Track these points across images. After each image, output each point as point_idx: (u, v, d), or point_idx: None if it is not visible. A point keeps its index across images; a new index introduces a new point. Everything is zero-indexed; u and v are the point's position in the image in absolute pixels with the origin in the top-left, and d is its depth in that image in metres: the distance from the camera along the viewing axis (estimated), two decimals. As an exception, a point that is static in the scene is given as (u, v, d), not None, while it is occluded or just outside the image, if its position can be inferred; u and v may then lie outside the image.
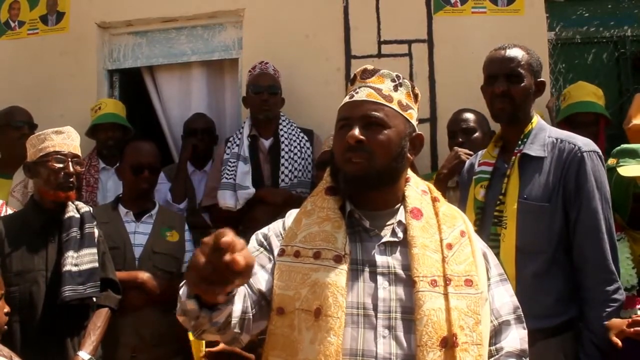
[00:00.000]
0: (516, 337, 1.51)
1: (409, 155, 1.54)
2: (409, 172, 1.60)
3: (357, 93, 1.53)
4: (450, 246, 1.47)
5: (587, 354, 2.01)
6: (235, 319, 1.36)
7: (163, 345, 2.81)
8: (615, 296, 2.03)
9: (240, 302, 1.38)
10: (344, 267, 1.41)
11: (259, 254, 1.51)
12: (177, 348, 2.78)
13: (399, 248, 1.47)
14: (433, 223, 1.50)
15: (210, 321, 1.29)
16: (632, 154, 2.35)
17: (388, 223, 1.51)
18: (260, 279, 1.47)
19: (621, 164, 2.33)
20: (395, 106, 1.51)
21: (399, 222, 1.50)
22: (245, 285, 1.41)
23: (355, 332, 1.38)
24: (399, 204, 1.54)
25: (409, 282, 1.41)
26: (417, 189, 1.57)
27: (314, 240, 1.47)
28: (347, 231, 1.47)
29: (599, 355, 1.99)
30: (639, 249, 2.36)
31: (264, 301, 1.46)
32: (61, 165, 2.50)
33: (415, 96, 1.58)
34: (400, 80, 1.55)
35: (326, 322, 1.36)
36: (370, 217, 1.51)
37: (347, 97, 1.55)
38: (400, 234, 1.48)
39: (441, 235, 1.48)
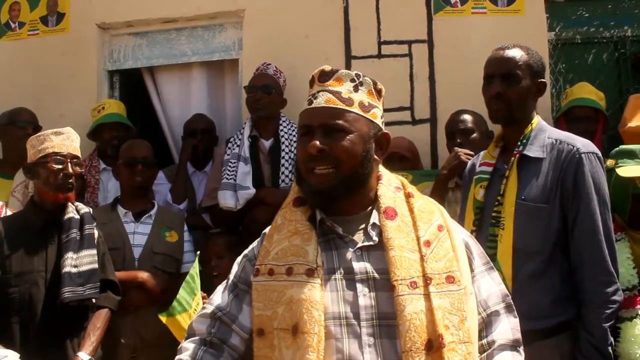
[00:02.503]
0: (507, 328, 1.46)
1: (375, 156, 1.50)
2: (381, 168, 1.55)
3: (315, 99, 1.48)
4: (428, 243, 1.43)
5: (584, 356, 2.00)
6: None
7: (163, 344, 2.80)
8: (614, 298, 2.02)
9: None
10: (317, 281, 1.38)
11: (239, 292, 1.51)
12: (177, 348, 2.78)
13: (375, 252, 1.43)
14: (408, 221, 1.46)
15: None
16: (631, 155, 2.34)
17: (362, 227, 1.47)
18: (245, 320, 1.47)
19: (620, 164, 2.32)
20: (356, 109, 1.46)
21: (373, 225, 1.46)
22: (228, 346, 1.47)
23: (340, 343, 1.35)
24: (372, 206, 1.50)
25: (388, 286, 1.38)
26: (389, 186, 1.52)
27: (285, 256, 1.44)
28: (320, 240, 1.44)
29: (597, 356, 1.98)
30: (640, 248, 2.36)
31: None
32: (60, 167, 2.49)
33: (379, 92, 1.53)
34: (361, 79, 1.50)
35: (303, 339, 1.33)
36: (342, 223, 1.47)
37: (307, 102, 1.51)
38: (376, 237, 1.44)
39: (417, 233, 1.44)
